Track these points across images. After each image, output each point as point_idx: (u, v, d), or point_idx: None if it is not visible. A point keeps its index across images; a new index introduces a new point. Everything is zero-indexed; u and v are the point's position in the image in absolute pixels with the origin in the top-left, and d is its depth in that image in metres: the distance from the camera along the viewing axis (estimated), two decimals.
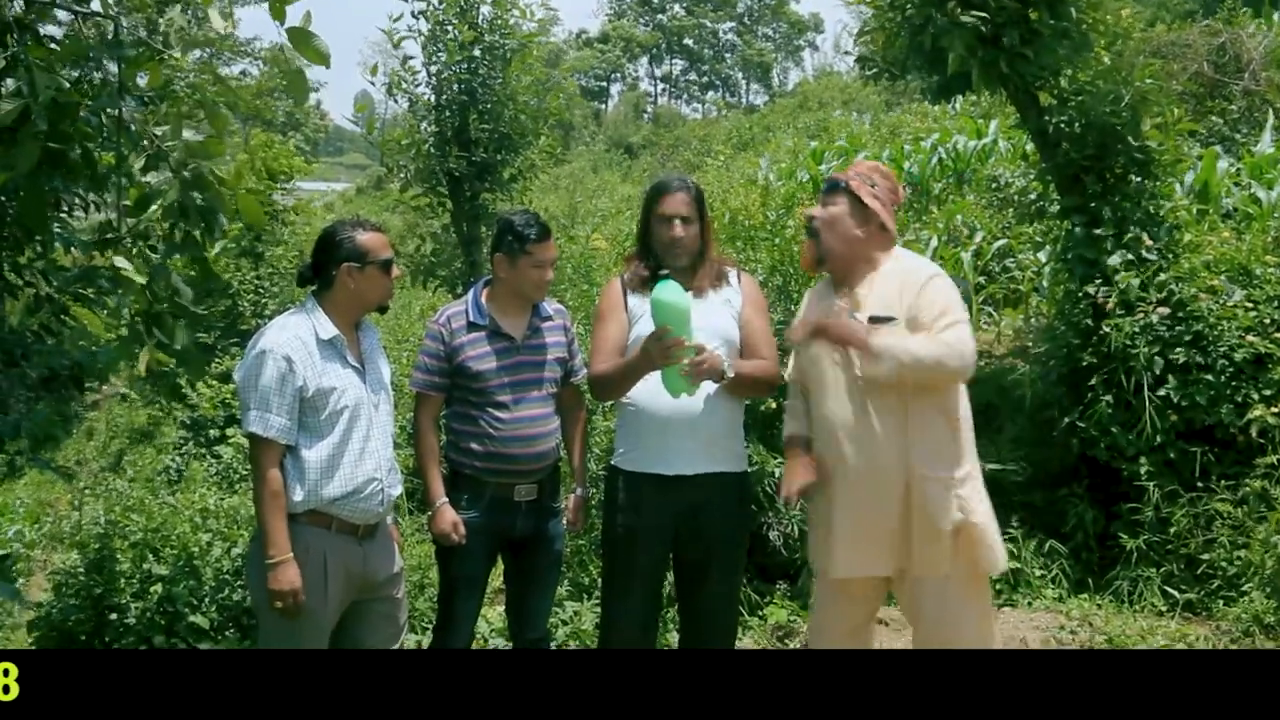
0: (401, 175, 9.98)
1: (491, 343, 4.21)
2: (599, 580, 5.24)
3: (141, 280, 3.80)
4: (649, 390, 3.94)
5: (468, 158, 9.61)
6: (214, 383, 10.78)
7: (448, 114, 9.71)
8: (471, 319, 4.24)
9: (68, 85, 3.61)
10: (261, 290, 13.97)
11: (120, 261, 3.78)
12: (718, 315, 4.04)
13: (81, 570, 5.90)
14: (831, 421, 3.72)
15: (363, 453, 3.76)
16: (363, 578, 3.80)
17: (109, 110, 3.79)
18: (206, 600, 5.76)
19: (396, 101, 9.98)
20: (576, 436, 4.51)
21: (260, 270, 14.25)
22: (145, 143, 3.81)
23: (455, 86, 9.67)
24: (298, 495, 3.64)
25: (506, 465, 4.16)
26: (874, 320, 3.65)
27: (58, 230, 4.25)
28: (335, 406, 3.70)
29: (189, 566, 5.88)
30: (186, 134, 3.82)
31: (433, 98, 9.81)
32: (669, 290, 3.73)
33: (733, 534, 4.12)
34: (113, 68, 3.92)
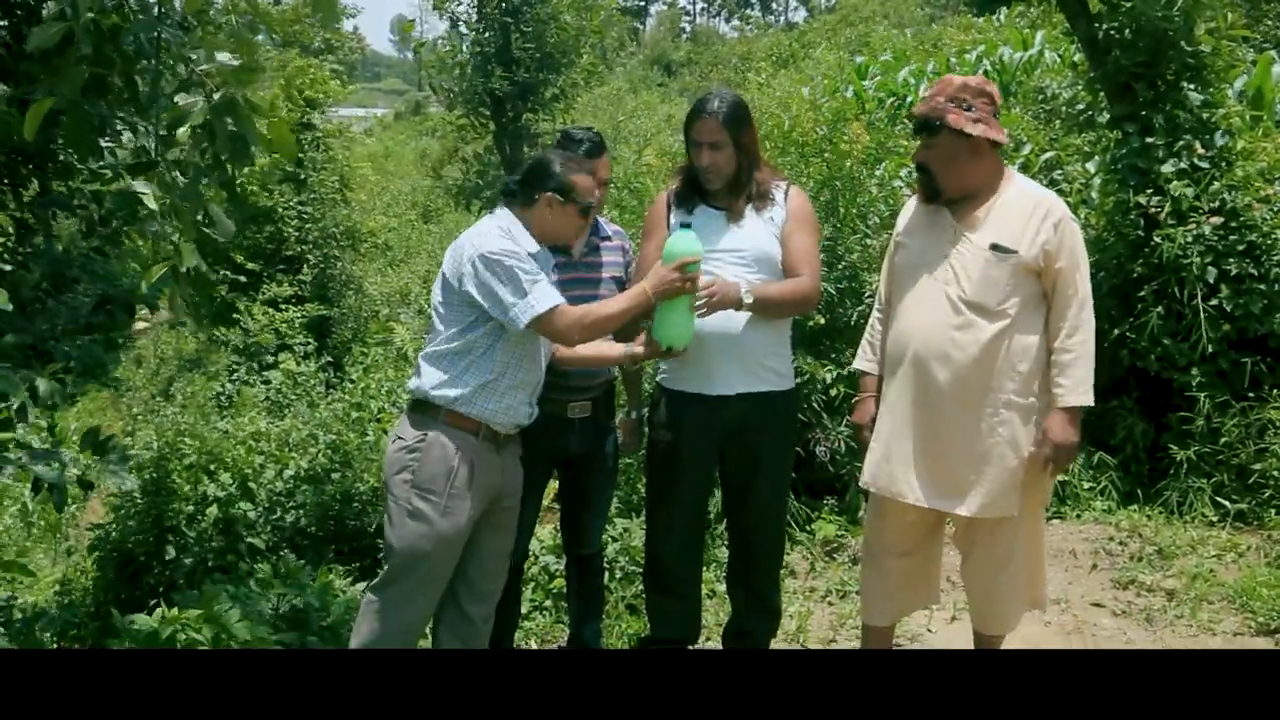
0: (446, 95, 9.94)
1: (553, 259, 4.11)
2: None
3: (154, 206, 3.76)
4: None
5: (511, 77, 9.56)
6: (268, 310, 10.87)
7: (490, 33, 9.65)
8: (530, 249, 4.12)
9: (110, 8, 3.60)
10: (305, 216, 14.00)
11: (141, 186, 3.74)
12: (759, 235, 3.97)
13: (138, 493, 6.00)
14: (921, 338, 3.63)
15: (531, 367, 3.73)
16: (499, 488, 3.75)
17: (148, 34, 3.77)
18: (260, 521, 5.86)
19: (443, 19, 9.93)
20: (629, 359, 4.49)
21: (303, 195, 14.26)
22: (181, 68, 3.79)
23: (500, 5, 9.60)
24: (452, 391, 3.56)
25: (560, 381, 4.07)
26: (995, 249, 3.56)
27: (105, 156, 4.26)
28: None
29: (243, 489, 5.98)
30: (221, 58, 3.80)
31: (474, 16, 9.76)
32: (681, 241, 3.62)
33: (778, 452, 4.11)
34: None
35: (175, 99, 3.84)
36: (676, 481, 4.07)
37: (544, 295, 3.53)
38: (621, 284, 4.23)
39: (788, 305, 3.97)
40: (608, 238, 4.29)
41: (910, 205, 3.90)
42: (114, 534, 5.95)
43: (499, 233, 3.63)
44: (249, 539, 5.67)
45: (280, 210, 13.78)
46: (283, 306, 10.94)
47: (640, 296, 3.57)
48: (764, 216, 4.01)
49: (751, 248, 3.95)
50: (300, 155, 13.80)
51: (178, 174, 3.94)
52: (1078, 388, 3.58)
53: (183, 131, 3.83)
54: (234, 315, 10.23)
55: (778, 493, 4.21)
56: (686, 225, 3.67)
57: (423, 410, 3.62)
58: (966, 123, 3.60)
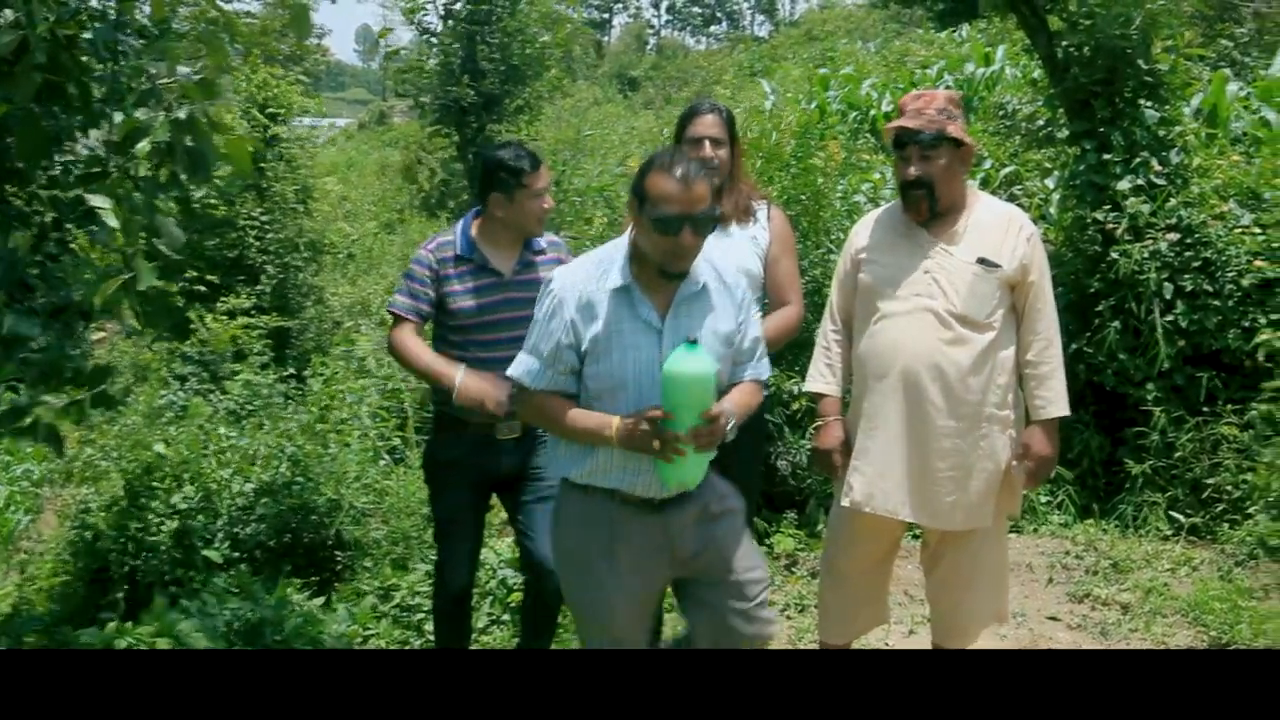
0: (414, 104, 9.97)
1: (476, 278, 4.01)
2: None
3: (114, 223, 3.72)
4: None
5: (476, 88, 9.57)
6: (223, 318, 10.77)
7: (456, 44, 9.68)
8: (459, 251, 4.04)
9: (66, 17, 3.57)
10: (265, 226, 13.88)
11: (98, 200, 3.70)
12: (742, 251, 3.97)
13: (93, 504, 5.95)
14: (910, 353, 3.56)
15: None
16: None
17: (106, 42, 3.74)
18: (220, 534, 5.81)
19: (412, 29, 9.97)
20: None
21: (265, 206, 14.15)
22: (141, 79, 3.76)
23: (467, 16, 9.62)
24: None
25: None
26: (983, 263, 3.55)
27: (60, 163, 4.21)
28: None
29: (205, 501, 5.93)
30: (182, 70, 3.77)
31: (440, 27, 9.79)
32: (692, 361, 2.91)
33: (747, 467, 4.09)
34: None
35: (135, 112, 3.81)
36: None
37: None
38: None
39: (782, 344, 4.04)
40: (541, 251, 4.14)
41: (870, 221, 3.87)
42: (76, 546, 5.90)
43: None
44: (206, 551, 5.62)
45: (240, 220, 13.68)
46: (240, 316, 10.85)
47: (602, 430, 2.96)
48: (747, 233, 4.02)
49: (736, 264, 3.96)
50: (263, 166, 13.71)
51: (132, 188, 3.90)
52: (1057, 400, 3.61)
53: (142, 147, 3.80)
54: (189, 326, 10.15)
55: (745, 507, 4.21)
56: (693, 342, 2.93)
57: None
58: (961, 134, 3.62)
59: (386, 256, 16.55)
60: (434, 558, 5.60)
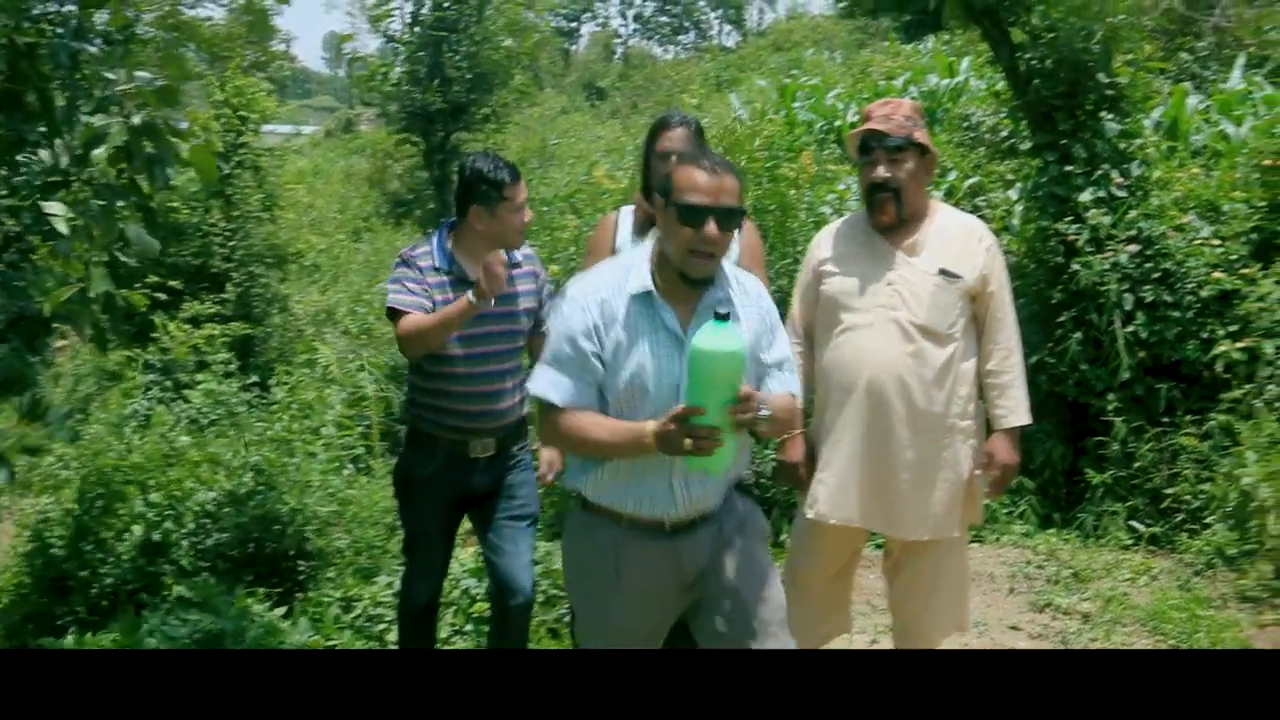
0: (380, 112, 9.97)
1: (455, 290, 3.88)
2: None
3: (64, 230, 3.68)
4: None
5: (443, 96, 9.57)
6: (186, 327, 10.72)
7: (422, 52, 9.67)
8: (436, 263, 3.95)
9: (26, 24, 3.54)
10: (230, 234, 13.82)
11: (53, 208, 3.66)
12: None
13: (56, 513, 5.91)
14: (875, 364, 3.56)
15: None
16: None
17: (66, 51, 3.71)
18: (184, 543, 5.78)
19: (378, 36, 9.96)
20: None
21: (230, 213, 14.08)
22: (100, 86, 3.74)
23: (435, 23, 9.61)
24: None
25: (462, 423, 3.95)
26: (944, 274, 3.57)
27: (21, 171, 4.18)
28: None
29: (170, 509, 5.90)
30: (144, 77, 3.75)
31: (407, 34, 9.78)
32: (721, 336, 2.65)
33: None
34: (72, 6, 3.84)
35: (93, 118, 3.78)
36: None
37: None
38: (534, 314, 4.08)
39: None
40: (517, 264, 4.04)
41: (831, 232, 3.89)
42: (34, 556, 5.86)
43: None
44: (169, 562, 5.59)
45: (205, 228, 13.62)
46: (204, 324, 10.79)
47: (640, 439, 2.76)
48: None
49: None
50: (231, 173, 13.65)
51: (92, 195, 3.86)
52: (1019, 408, 3.65)
53: (99, 153, 3.77)
54: (151, 334, 10.08)
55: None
56: (723, 317, 2.66)
57: None
58: (927, 139, 3.66)
59: (353, 265, 16.49)
60: (398, 568, 5.61)
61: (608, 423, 2.84)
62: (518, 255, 4.06)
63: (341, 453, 7.10)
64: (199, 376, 9.52)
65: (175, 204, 13.19)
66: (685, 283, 2.86)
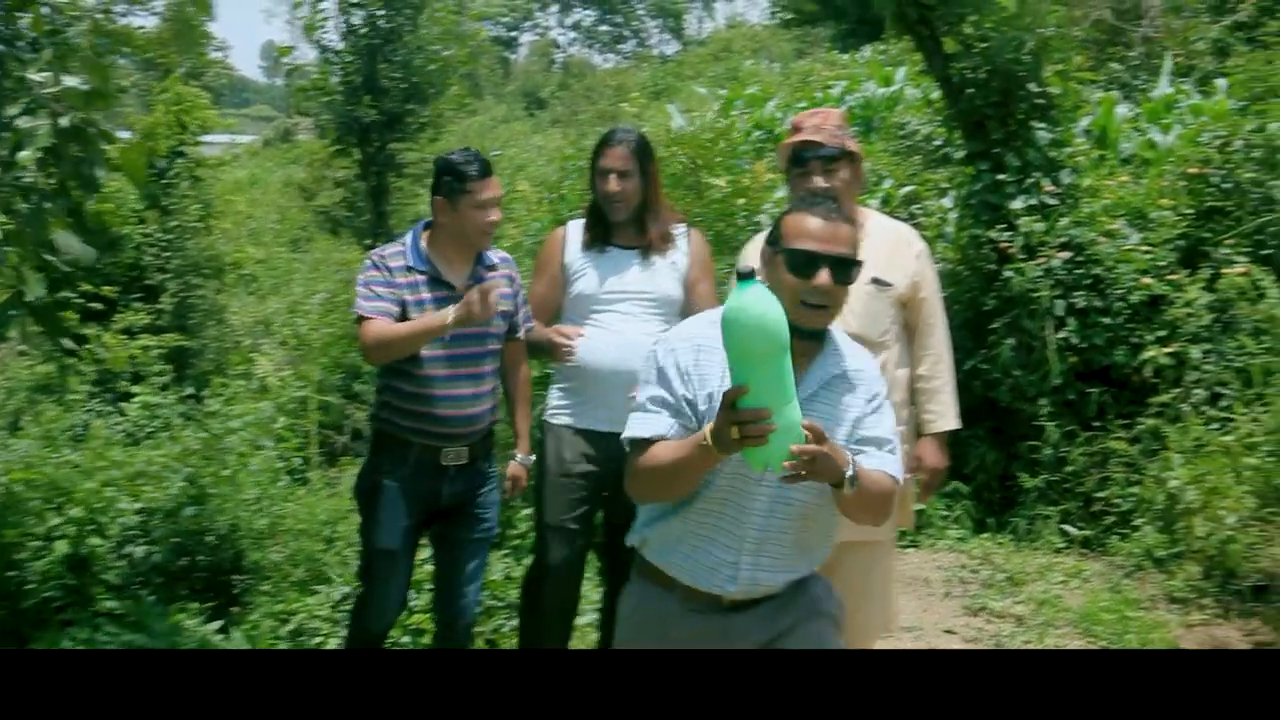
0: (316, 122, 9.92)
1: (431, 290, 3.82)
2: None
3: None
4: (587, 346, 3.96)
5: (378, 106, 9.53)
6: (120, 336, 10.56)
7: (358, 62, 9.62)
8: (410, 262, 3.85)
9: None
10: (166, 244, 13.62)
11: None
12: (663, 277, 4.02)
13: None
14: None
15: None
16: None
17: None
18: (112, 557, 5.69)
19: (312, 46, 9.91)
20: (520, 397, 4.16)
21: (167, 223, 13.88)
22: (26, 89, 3.69)
23: (369, 33, 9.58)
24: None
25: (435, 427, 3.84)
26: (876, 282, 3.59)
27: None
28: None
29: (93, 523, 5.80)
30: (72, 82, 3.70)
31: (342, 44, 9.73)
32: (751, 298, 2.35)
33: None
34: None
35: (19, 121, 3.73)
36: (563, 519, 4.01)
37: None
38: (509, 318, 4.00)
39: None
40: (493, 267, 3.97)
41: (758, 245, 3.90)
42: None
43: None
44: (95, 578, 5.49)
45: (139, 237, 13.43)
46: (138, 335, 10.64)
47: (700, 443, 2.46)
48: (668, 259, 4.05)
49: (657, 289, 3.99)
50: (169, 183, 13.47)
51: (20, 199, 3.81)
52: (947, 413, 3.70)
53: (25, 155, 3.71)
54: (85, 344, 9.93)
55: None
56: (747, 277, 2.37)
57: None
58: (858, 148, 3.71)
59: (294, 276, 16.34)
60: (335, 577, 5.57)
61: (675, 443, 2.59)
62: (494, 257, 4.01)
63: (278, 464, 7.01)
64: (135, 389, 9.40)
65: (109, 213, 13.01)
66: (794, 336, 2.45)
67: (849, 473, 2.45)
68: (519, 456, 4.15)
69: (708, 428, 2.44)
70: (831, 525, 2.78)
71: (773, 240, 2.71)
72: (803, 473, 2.37)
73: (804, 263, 2.59)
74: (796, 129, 3.74)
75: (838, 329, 2.78)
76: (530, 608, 4.20)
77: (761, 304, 2.32)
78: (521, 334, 4.08)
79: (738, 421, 2.32)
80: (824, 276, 2.59)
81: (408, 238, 3.95)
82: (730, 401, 2.34)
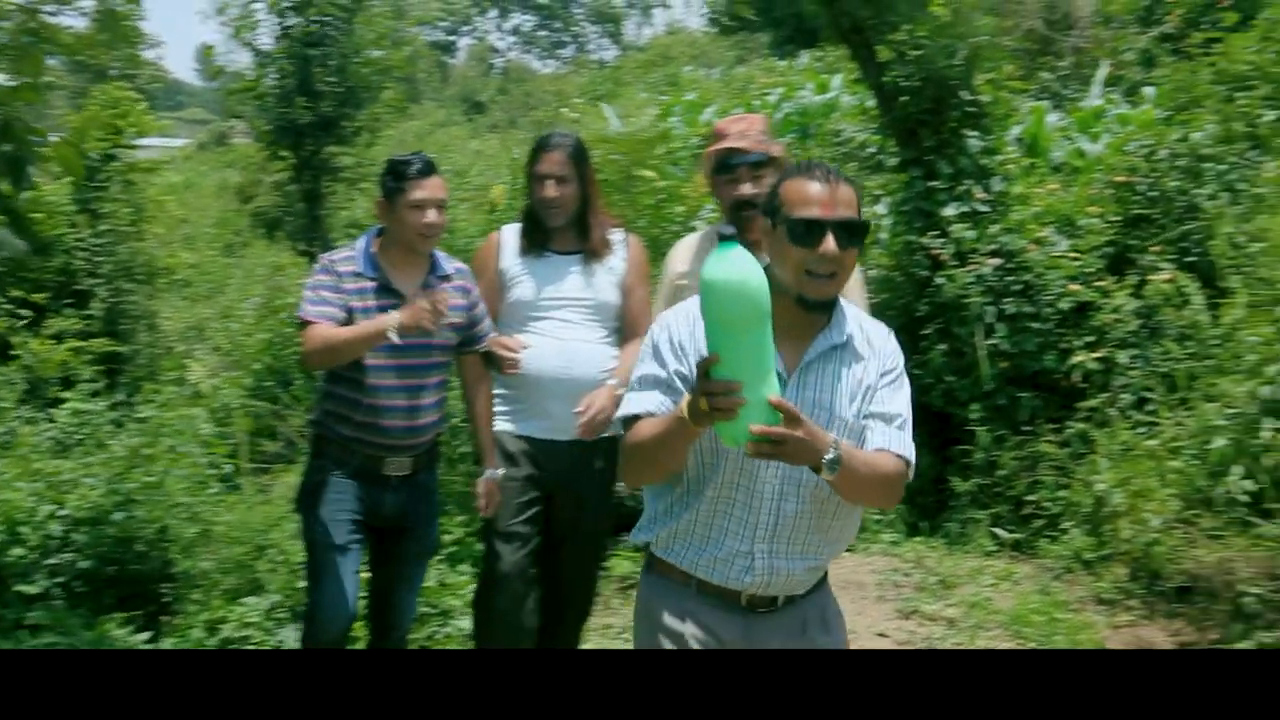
0: (249, 125, 9.83)
1: (378, 298, 3.74)
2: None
3: None
4: (527, 354, 3.93)
5: (312, 110, 9.45)
6: (49, 341, 10.38)
7: (291, 65, 9.55)
8: (359, 269, 3.77)
9: None
10: (97, 249, 13.41)
11: None
12: (601, 283, 4.01)
13: None
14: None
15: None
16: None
17: None
18: (33, 567, 5.59)
19: (248, 47, 9.80)
20: (483, 411, 4.03)
21: (98, 227, 13.67)
22: None
23: (303, 36, 9.50)
24: None
25: (378, 438, 3.78)
26: None
27: None
28: None
29: (12, 533, 5.70)
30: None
31: (275, 47, 9.65)
32: (730, 263, 2.23)
33: (605, 499, 4.15)
34: None
35: None
36: (511, 524, 3.98)
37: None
38: (463, 331, 3.93)
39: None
40: (446, 277, 3.89)
41: (689, 247, 3.89)
42: None
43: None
44: (20, 586, 5.40)
45: (71, 241, 13.22)
46: (69, 340, 10.48)
47: (679, 416, 2.35)
48: (605, 264, 4.04)
49: (595, 296, 3.98)
50: (100, 186, 13.26)
51: None
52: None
53: None
54: (11, 351, 9.76)
55: (598, 541, 4.23)
56: (729, 239, 2.25)
57: None
58: (784, 153, 3.71)
59: (228, 281, 16.17)
60: (268, 586, 5.51)
61: (659, 418, 2.48)
62: (449, 267, 3.93)
63: (209, 471, 6.93)
64: (65, 395, 9.25)
65: (41, 219, 12.80)
66: (803, 308, 2.49)
67: (829, 456, 2.31)
68: (487, 471, 3.99)
69: (685, 399, 2.34)
70: (855, 508, 2.66)
71: (769, 211, 2.56)
72: (767, 451, 2.25)
73: (806, 231, 2.45)
74: (720, 135, 3.74)
75: (847, 302, 2.66)
76: (484, 620, 4.13)
77: (740, 268, 2.21)
78: (481, 346, 4.00)
79: (708, 392, 2.22)
80: (829, 243, 2.44)
81: (360, 243, 3.88)
82: (703, 370, 2.24)
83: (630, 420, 2.55)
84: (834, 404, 2.54)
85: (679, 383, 2.52)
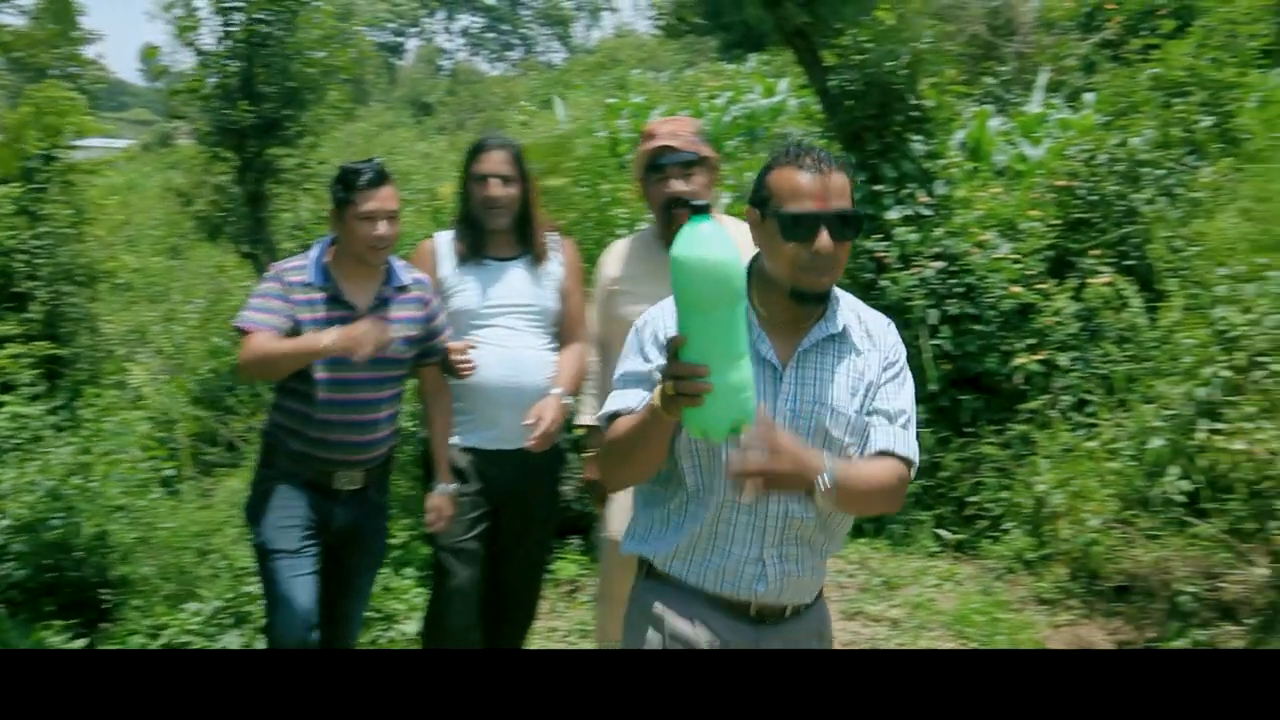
0: (191, 127, 9.71)
1: (329, 309, 3.64)
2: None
3: None
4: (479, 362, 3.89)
5: (254, 111, 9.36)
6: None
7: (233, 65, 9.45)
8: (309, 279, 3.67)
9: None
10: (36, 251, 13.22)
11: None
12: (541, 288, 3.97)
13: None
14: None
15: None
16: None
17: None
18: None
19: (191, 47, 9.67)
20: (441, 424, 3.94)
21: (36, 230, 13.48)
22: None
23: (246, 37, 9.40)
24: None
25: (327, 453, 3.69)
26: None
27: None
28: None
29: None
30: None
31: (217, 47, 9.55)
32: (701, 238, 2.07)
33: (551, 507, 4.14)
34: None
35: None
36: (462, 540, 3.92)
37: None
38: (421, 343, 3.84)
39: (580, 383, 3.96)
40: (404, 288, 3.79)
41: (622, 250, 3.88)
42: None
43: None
44: None
45: (9, 243, 13.02)
46: (7, 344, 10.32)
47: (652, 406, 2.22)
48: (543, 268, 4.01)
49: (538, 302, 3.94)
50: (39, 187, 13.07)
51: None
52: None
53: None
54: None
55: (544, 549, 4.22)
56: (700, 212, 2.09)
57: None
58: (712, 154, 3.72)
59: (174, 286, 15.98)
60: (208, 592, 5.45)
61: (636, 414, 2.34)
62: (406, 278, 3.82)
63: (149, 475, 6.85)
64: (4, 398, 9.12)
65: None
66: (794, 298, 2.37)
67: (824, 482, 2.20)
68: (439, 486, 3.88)
69: (658, 389, 2.18)
70: (839, 525, 2.56)
71: (758, 202, 2.39)
72: (752, 486, 2.14)
73: (799, 226, 2.29)
74: (651, 136, 3.73)
75: (844, 293, 2.54)
76: (438, 637, 4.00)
77: (709, 244, 2.05)
78: (439, 358, 3.91)
79: (674, 375, 2.07)
80: (824, 239, 2.29)
81: (312, 252, 3.77)
82: (671, 352, 2.08)
83: (611, 418, 2.43)
84: (833, 398, 2.42)
85: (658, 376, 2.30)
